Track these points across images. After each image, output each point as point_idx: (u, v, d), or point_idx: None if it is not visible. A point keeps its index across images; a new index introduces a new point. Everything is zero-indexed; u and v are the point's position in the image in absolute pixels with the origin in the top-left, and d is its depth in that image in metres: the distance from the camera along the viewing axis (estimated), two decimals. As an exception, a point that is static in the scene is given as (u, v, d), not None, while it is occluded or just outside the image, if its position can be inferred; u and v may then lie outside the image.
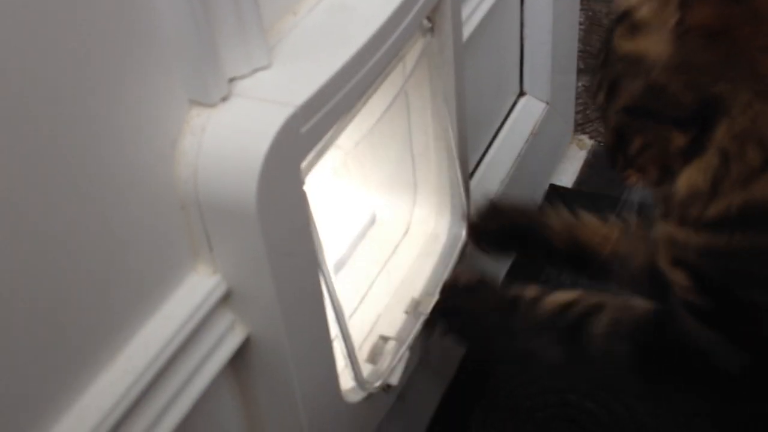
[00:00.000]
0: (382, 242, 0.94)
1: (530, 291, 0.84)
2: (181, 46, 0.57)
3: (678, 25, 0.66)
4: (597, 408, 1.17)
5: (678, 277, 0.73)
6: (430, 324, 0.88)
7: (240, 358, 0.65)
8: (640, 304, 0.79)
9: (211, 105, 0.59)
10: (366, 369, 0.81)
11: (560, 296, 0.82)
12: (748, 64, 0.65)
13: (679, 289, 0.74)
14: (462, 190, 0.94)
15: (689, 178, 0.70)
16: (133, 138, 0.56)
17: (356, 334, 0.84)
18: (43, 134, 0.49)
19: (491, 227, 0.97)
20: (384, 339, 0.84)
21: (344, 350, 0.74)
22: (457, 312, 0.86)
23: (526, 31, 1.27)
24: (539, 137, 1.31)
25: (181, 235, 0.61)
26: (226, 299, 0.63)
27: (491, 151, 1.23)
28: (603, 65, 0.73)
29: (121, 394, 0.56)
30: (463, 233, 0.96)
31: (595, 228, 0.91)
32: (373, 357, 0.83)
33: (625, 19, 0.70)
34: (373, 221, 0.95)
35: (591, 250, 0.90)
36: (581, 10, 1.44)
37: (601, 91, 0.73)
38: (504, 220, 0.96)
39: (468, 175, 0.99)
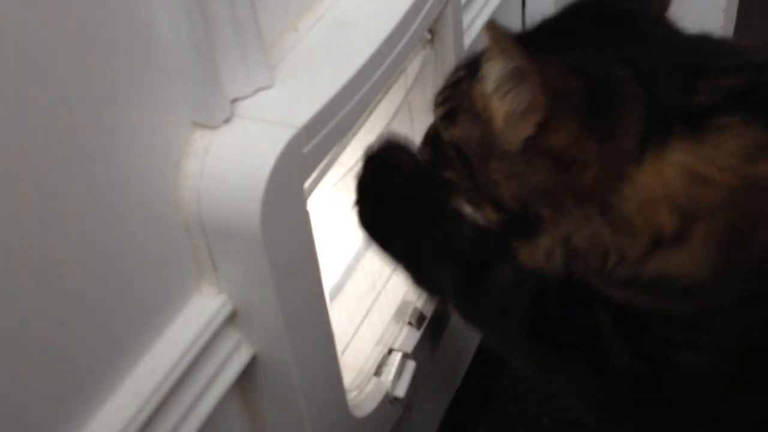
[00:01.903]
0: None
1: (424, 156, 0.76)
2: (183, 69, 0.57)
3: (529, 140, 0.63)
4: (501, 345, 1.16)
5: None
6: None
7: (247, 377, 0.66)
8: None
9: (214, 127, 0.59)
10: (372, 382, 0.81)
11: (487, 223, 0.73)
12: (590, 200, 0.62)
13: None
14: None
15: (532, 258, 0.67)
16: (137, 161, 0.56)
17: (362, 348, 0.84)
18: (48, 157, 0.49)
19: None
20: (389, 351, 0.84)
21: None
22: (381, 165, 0.75)
23: (528, 35, 1.27)
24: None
25: (185, 256, 0.61)
26: (231, 319, 0.63)
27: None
28: (454, 85, 0.70)
29: (130, 417, 0.56)
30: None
31: None
32: (380, 369, 0.83)
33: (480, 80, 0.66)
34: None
35: None
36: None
37: (441, 108, 0.70)
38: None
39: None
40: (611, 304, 0.68)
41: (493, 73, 0.64)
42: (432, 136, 0.74)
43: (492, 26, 0.63)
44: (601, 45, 0.65)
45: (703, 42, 0.67)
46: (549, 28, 0.69)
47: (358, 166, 0.75)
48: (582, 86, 0.61)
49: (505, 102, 0.64)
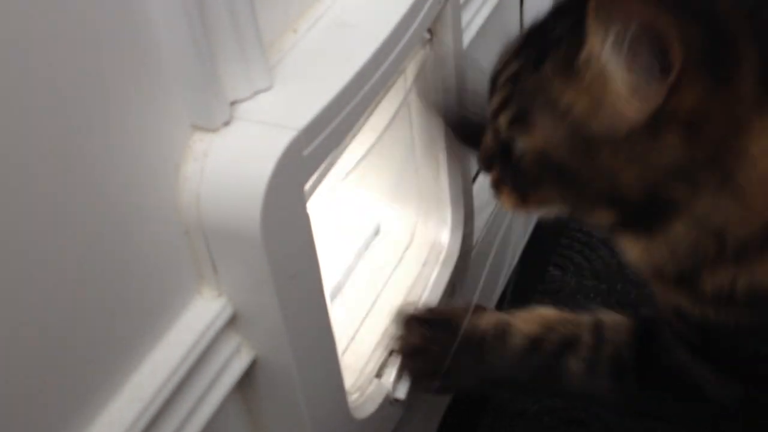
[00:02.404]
0: (387, 253, 0.94)
1: (489, 320, 0.75)
2: (182, 71, 0.57)
3: (657, 110, 0.54)
4: (604, 411, 1.17)
5: (662, 309, 0.67)
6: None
7: (247, 380, 0.65)
8: (619, 326, 0.71)
9: (213, 129, 0.59)
10: (373, 383, 0.81)
11: (526, 326, 0.73)
12: (716, 166, 0.55)
13: (664, 314, 0.67)
14: (463, 198, 0.94)
15: (650, 255, 0.61)
16: (136, 164, 0.56)
17: (363, 349, 0.84)
18: (45, 161, 0.49)
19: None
20: (390, 352, 0.84)
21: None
22: (423, 354, 0.77)
23: (526, 33, 1.27)
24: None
25: (185, 259, 0.61)
26: (232, 322, 0.63)
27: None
28: (512, 80, 0.61)
29: (131, 422, 0.56)
30: (462, 241, 0.96)
31: None
32: (380, 371, 0.82)
33: (575, 68, 0.57)
34: (377, 232, 0.95)
35: None
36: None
37: (504, 114, 0.62)
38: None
39: (470, 183, 0.99)
40: (684, 334, 0.65)
41: (617, 39, 0.54)
42: (493, 152, 0.66)
43: None
44: None
45: None
46: None
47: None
48: (700, 30, 0.53)
49: (628, 70, 0.54)
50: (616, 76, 0.55)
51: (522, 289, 1.26)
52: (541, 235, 1.25)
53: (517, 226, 1.26)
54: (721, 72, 0.54)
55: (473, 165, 1.14)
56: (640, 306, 0.74)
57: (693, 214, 0.57)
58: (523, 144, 0.61)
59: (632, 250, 0.62)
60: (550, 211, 0.65)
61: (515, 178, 0.65)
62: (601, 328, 0.72)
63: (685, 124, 0.54)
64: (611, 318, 0.72)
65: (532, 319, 0.74)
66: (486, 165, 0.68)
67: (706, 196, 0.56)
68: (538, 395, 0.76)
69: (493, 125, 0.65)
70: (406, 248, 0.95)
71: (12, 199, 0.47)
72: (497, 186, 0.68)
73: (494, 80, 0.64)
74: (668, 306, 0.65)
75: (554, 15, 0.62)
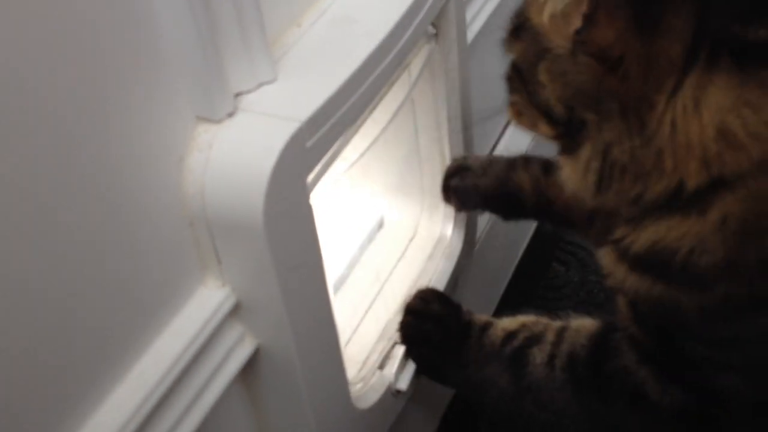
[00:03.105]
0: (391, 246, 0.94)
1: (481, 318, 0.84)
2: (186, 63, 0.57)
3: (576, 34, 0.61)
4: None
5: (620, 303, 0.73)
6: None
7: (250, 369, 0.66)
8: (581, 330, 0.78)
9: (218, 121, 0.60)
10: (376, 375, 0.81)
11: (507, 323, 0.82)
12: (629, 107, 0.61)
13: (620, 316, 0.74)
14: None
15: (571, 177, 0.69)
16: (141, 155, 0.56)
17: (366, 340, 0.84)
18: (51, 153, 0.50)
19: (461, 186, 0.92)
20: (393, 344, 0.84)
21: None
22: (423, 341, 0.84)
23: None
24: (546, 134, 1.31)
25: (189, 249, 0.62)
26: (235, 311, 0.64)
27: (498, 149, 1.23)
28: (519, 13, 0.70)
29: (134, 409, 0.56)
30: (465, 235, 0.96)
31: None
32: (383, 362, 0.83)
33: None
34: (380, 225, 0.95)
35: (559, 205, 0.88)
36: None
37: (511, 25, 0.71)
38: (473, 179, 0.92)
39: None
40: (637, 338, 0.72)
41: None
42: (510, 68, 0.75)
43: None
44: None
45: None
46: None
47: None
48: None
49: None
50: (544, 3, 0.64)
51: (525, 284, 1.26)
52: (544, 230, 1.25)
53: (519, 224, 1.26)
54: (645, 22, 0.59)
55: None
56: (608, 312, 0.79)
57: (598, 141, 0.64)
58: (511, 51, 0.72)
59: (564, 169, 0.70)
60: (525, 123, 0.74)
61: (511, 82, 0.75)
62: (564, 330, 0.79)
63: (600, 56, 0.61)
64: (579, 322, 0.80)
65: (513, 319, 0.83)
66: (507, 85, 0.77)
67: (611, 129, 0.63)
68: (505, 394, 0.80)
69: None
70: (410, 241, 0.96)
71: (18, 189, 0.48)
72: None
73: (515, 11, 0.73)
74: (616, 287, 0.71)
75: None
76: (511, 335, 0.81)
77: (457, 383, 0.88)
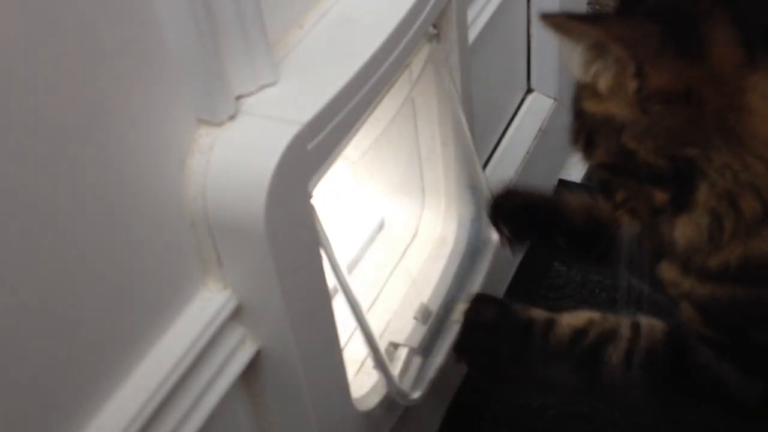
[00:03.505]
0: (391, 247, 0.94)
1: (541, 314, 0.82)
2: (188, 66, 0.57)
3: (638, 92, 0.64)
4: (607, 405, 1.17)
5: (686, 310, 0.73)
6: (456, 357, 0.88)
7: (251, 371, 0.66)
8: (654, 327, 0.78)
9: (219, 123, 0.60)
10: (375, 376, 0.81)
11: (572, 320, 0.81)
12: (715, 126, 0.63)
13: (687, 320, 0.74)
14: (470, 192, 0.95)
15: (684, 233, 0.69)
16: (143, 158, 0.56)
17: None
18: (53, 154, 0.50)
19: (509, 205, 0.93)
20: (394, 345, 0.84)
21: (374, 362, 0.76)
22: (480, 351, 0.84)
23: (533, 28, 1.27)
24: (548, 133, 1.31)
25: (191, 252, 0.62)
26: (236, 314, 0.64)
27: (500, 149, 1.23)
28: (577, 116, 0.72)
29: (136, 411, 0.57)
30: (467, 236, 0.96)
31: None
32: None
33: (588, 84, 0.68)
34: (381, 226, 0.95)
35: (608, 226, 0.88)
36: (588, 4, 1.43)
37: (580, 142, 0.72)
38: (522, 198, 0.94)
39: (480, 177, 0.99)
40: (710, 338, 0.73)
41: (578, 54, 0.66)
42: (597, 179, 0.75)
43: (545, 16, 0.64)
44: None
45: None
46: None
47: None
48: (659, 24, 0.62)
49: (599, 76, 0.65)
50: (596, 74, 0.66)
51: (527, 284, 1.26)
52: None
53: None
54: (688, 49, 0.62)
55: (480, 156, 1.14)
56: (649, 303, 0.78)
57: (710, 173, 0.64)
58: (594, 161, 0.71)
59: (677, 230, 0.69)
60: (640, 217, 0.73)
61: (606, 190, 0.74)
62: (638, 326, 0.78)
63: (669, 98, 0.63)
64: (648, 320, 0.79)
65: (577, 315, 0.81)
66: (599, 190, 0.76)
67: (717, 154, 0.63)
68: (573, 390, 0.80)
69: (589, 164, 0.75)
70: (411, 242, 0.96)
71: (22, 192, 0.48)
72: (611, 211, 0.76)
73: (572, 118, 0.74)
74: (681, 295, 0.72)
75: None
76: (580, 332, 0.79)
77: (519, 381, 0.89)
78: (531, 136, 1.29)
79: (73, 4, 0.49)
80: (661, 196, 0.68)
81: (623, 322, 0.78)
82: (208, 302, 0.63)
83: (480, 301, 0.86)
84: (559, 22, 0.65)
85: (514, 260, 1.25)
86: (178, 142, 0.59)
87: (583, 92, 0.69)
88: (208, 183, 0.59)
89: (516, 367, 0.82)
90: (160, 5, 0.55)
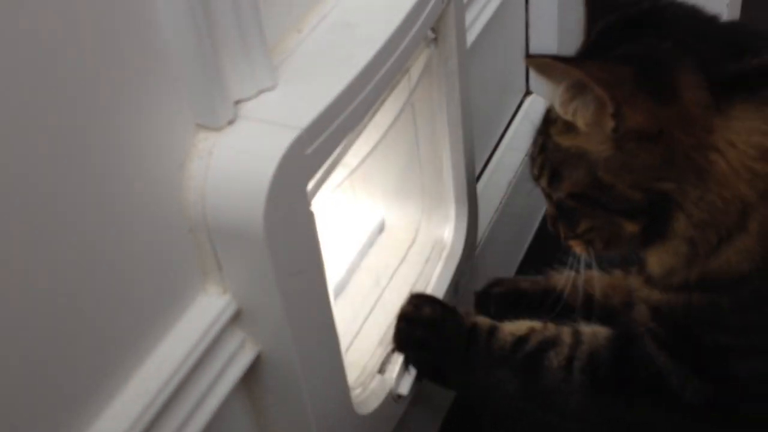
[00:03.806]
0: (391, 250, 0.94)
1: (485, 321, 0.84)
2: (186, 71, 0.57)
3: (614, 131, 0.67)
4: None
5: (641, 310, 0.77)
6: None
7: (251, 375, 0.66)
8: (597, 333, 0.80)
9: (218, 129, 0.60)
10: (376, 379, 0.81)
11: (514, 328, 0.83)
12: (686, 163, 0.67)
13: (640, 319, 0.77)
14: (467, 195, 0.95)
15: (662, 261, 0.73)
16: (142, 163, 0.57)
17: (366, 345, 0.84)
18: (53, 160, 0.50)
19: (497, 290, 0.98)
20: (393, 349, 0.84)
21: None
22: (418, 346, 0.85)
23: (531, 31, 1.27)
24: (546, 136, 1.31)
25: (190, 256, 0.62)
26: (236, 318, 0.64)
27: (498, 152, 1.24)
28: (542, 150, 0.75)
29: (137, 416, 0.57)
30: (465, 239, 0.96)
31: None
32: (383, 367, 0.83)
33: (557, 120, 0.72)
34: (381, 230, 0.95)
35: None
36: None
37: (544, 176, 0.75)
38: (510, 284, 0.99)
39: (474, 180, 1.00)
40: (657, 334, 0.75)
41: (558, 93, 0.69)
42: (554, 213, 0.79)
43: (531, 57, 0.71)
44: (640, 35, 0.71)
45: (739, 26, 0.73)
46: (595, 42, 0.74)
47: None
48: (633, 69, 0.67)
49: (578, 113, 0.69)
50: (575, 113, 0.70)
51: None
52: (545, 233, 1.25)
53: (520, 227, 1.26)
54: (661, 91, 0.67)
55: (479, 159, 1.14)
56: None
57: (686, 206, 0.68)
58: (559, 195, 0.75)
59: (652, 259, 0.74)
60: (599, 246, 0.78)
61: (565, 226, 0.78)
62: (580, 333, 0.80)
63: (643, 136, 0.67)
64: (590, 328, 0.81)
65: (519, 324, 0.84)
66: (552, 227, 0.81)
67: (692, 188, 0.68)
68: (513, 397, 0.80)
69: (544, 191, 0.78)
70: (410, 245, 0.96)
71: (21, 197, 0.48)
72: (566, 239, 0.80)
73: (532, 156, 0.78)
74: (647, 305, 0.76)
75: None
76: (522, 340, 0.81)
77: (461, 386, 0.89)
78: (529, 138, 1.29)
79: (74, 11, 0.49)
80: (631, 227, 0.72)
81: (565, 330, 0.81)
82: (208, 306, 0.63)
83: (419, 298, 0.86)
84: (544, 63, 0.69)
85: (513, 263, 1.25)
86: (178, 147, 0.59)
87: (553, 128, 0.73)
88: (208, 188, 0.59)
89: (459, 371, 0.83)
90: (159, 11, 0.55)
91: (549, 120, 0.74)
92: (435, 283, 0.92)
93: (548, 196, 0.78)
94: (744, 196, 0.67)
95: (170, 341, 0.61)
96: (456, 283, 0.95)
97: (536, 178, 0.77)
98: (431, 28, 0.82)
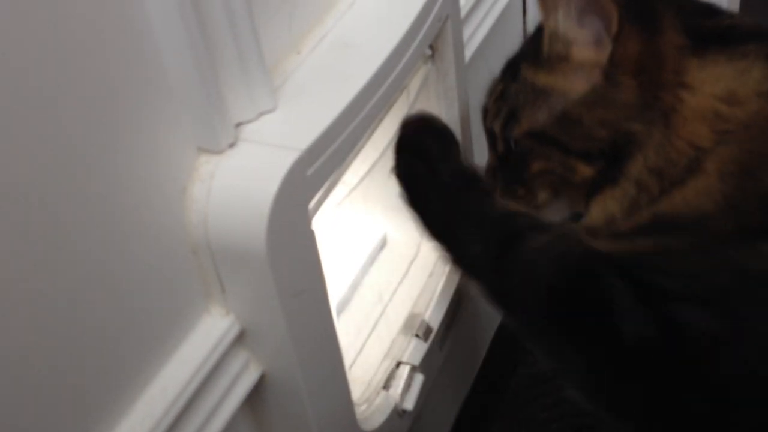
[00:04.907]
0: (393, 266, 0.95)
1: (490, 182, 0.80)
2: (187, 95, 0.58)
3: (609, 59, 0.69)
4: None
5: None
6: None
7: (256, 395, 0.67)
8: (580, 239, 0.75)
9: (219, 152, 0.60)
10: (381, 395, 0.82)
11: (514, 205, 0.75)
12: (657, 103, 0.69)
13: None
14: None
15: (604, 208, 0.72)
16: (144, 187, 0.57)
17: (370, 361, 0.85)
18: (54, 183, 0.50)
19: None
20: (397, 364, 0.85)
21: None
22: (414, 153, 0.76)
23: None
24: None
25: (193, 278, 0.62)
26: (240, 339, 0.64)
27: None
28: (499, 98, 0.76)
29: (142, 439, 0.57)
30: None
31: None
32: (388, 383, 0.83)
33: (541, 56, 0.72)
34: (383, 245, 0.96)
35: None
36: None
37: (498, 120, 0.75)
38: None
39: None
40: (616, 263, 0.67)
41: (566, 11, 0.70)
42: (494, 164, 0.78)
43: None
44: None
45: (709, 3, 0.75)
46: None
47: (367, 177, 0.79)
48: (626, 3, 0.69)
49: (583, 31, 0.70)
50: (575, 37, 0.70)
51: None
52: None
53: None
54: (648, 26, 0.69)
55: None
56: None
57: (647, 149, 0.69)
58: (513, 134, 0.74)
59: (594, 209, 0.73)
60: (544, 195, 0.77)
61: (510, 171, 0.77)
62: (570, 230, 0.74)
63: (633, 69, 0.68)
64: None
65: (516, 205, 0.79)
66: (490, 176, 0.79)
67: (656, 132, 0.69)
68: (463, 255, 0.72)
69: (491, 140, 0.77)
70: (412, 260, 0.96)
71: (23, 220, 0.49)
72: (502, 192, 0.78)
73: (485, 108, 0.78)
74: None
75: (521, 46, 0.79)
76: (516, 214, 0.72)
77: (427, 218, 0.76)
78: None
79: (71, 33, 0.49)
80: (586, 171, 0.72)
81: (560, 225, 0.74)
82: (212, 328, 0.63)
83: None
84: None
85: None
86: (179, 171, 0.60)
87: (529, 68, 0.74)
88: (210, 210, 0.60)
89: (436, 201, 0.74)
90: (158, 35, 0.55)
91: (523, 63, 0.75)
92: (438, 297, 0.92)
93: (494, 147, 0.77)
94: (701, 138, 0.68)
95: (174, 363, 0.61)
96: (459, 297, 0.95)
97: (488, 123, 0.77)
98: (429, 45, 0.83)
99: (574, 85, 0.70)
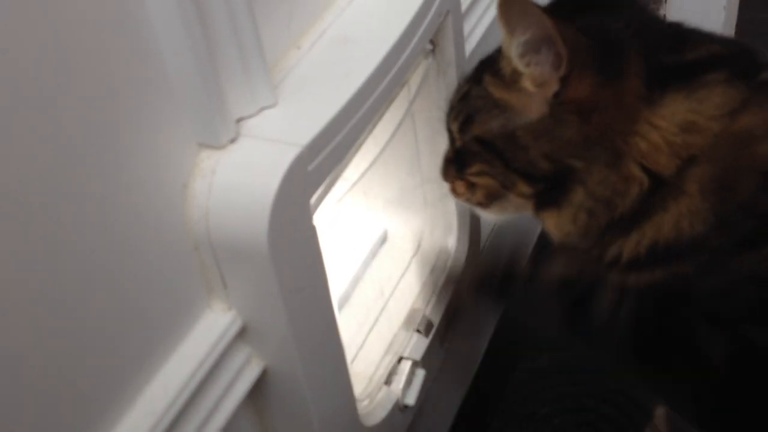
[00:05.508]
0: (394, 261, 0.95)
1: (444, 173, 0.84)
2: (187, 91, 0.58)
3: (555, 96, 0.69)
4: (614, 412, 1.18)
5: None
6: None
7: (258, 390, 0.67)
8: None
9: (220, 147, 0.60)
10: (382, 390, 0.82)
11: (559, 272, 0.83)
12: (604, 145, 0.69)
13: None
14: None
15: (558, 224, 0.75)
16: (146, 183, 0.57)
17: (372, 356, 0.85)
18: (55, 180, 0.50)
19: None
20: (399, 359, 0.85)
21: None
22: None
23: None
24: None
25: (195, 274, 0.62)
26: (241, 334, 0.64)
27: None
28: (463, 98, 0.77)
29: (144, 434, 0.57)
30: (468, 246, 0.97)
31: None
32: (389, 378, 0.83)
33: (501, 72, 0.73)
34: (384, 240, 0.96)
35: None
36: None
37: (456, 120, 0.77)
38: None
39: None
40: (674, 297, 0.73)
41: (520, 42, 0.70)
42: (451, 156, 0.80)
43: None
44: (599, 15, 0.73)
45: (680, 25, 0.76)
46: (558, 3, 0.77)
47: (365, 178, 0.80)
48: (593, 42, 0.69)
49: (532, 66, 0.70)
50: (524, 71, 0.71)
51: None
52: (546, 243, 1.26)
53: (523, 234, 1.27)
54: (609, 71, 0.69)
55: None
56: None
57: (589, 183, 0.71)
58: (465, 136, 0.76)
59: (549, 221, 0.76)
60: (480, 195, 0.79)
61: (462, 164, 0.79)
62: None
63: (579, 110, 0.69)
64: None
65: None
66: (444, 170, 0.82)
67: (598, 169, 0.70)
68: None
69: (450, 137, 0.79)
70: (413, 256, 0.96)
71: (25, 217, 0.49)
72: (451, 184, 0.81)
73: (451, 104, 0.79)
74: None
75: (496, 48, 0.77)
76: (569, 282, 0.81)
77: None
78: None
79: (72, 31, 0.49)
80: (524, 188, 0.74)
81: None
82: (214, 323, 0.63)
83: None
84: (521, 5, 0.68)
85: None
86: (180, 167, 0.60)
87: (491, 78, 0.74)
88: (211, 206, 0.60)
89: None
90: (158, 32, 0.55)
91: (487, 70, 0.75)
92: (439, 292, 0.93)
93: (452, 141, 0.79)
94: (661, 166, 0.69)
95: (176, 359, 0.61)
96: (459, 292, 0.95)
97: (449, 122, 0.79)
98: (430, 40, 0.83)
99: (527, 108, 0.71)
